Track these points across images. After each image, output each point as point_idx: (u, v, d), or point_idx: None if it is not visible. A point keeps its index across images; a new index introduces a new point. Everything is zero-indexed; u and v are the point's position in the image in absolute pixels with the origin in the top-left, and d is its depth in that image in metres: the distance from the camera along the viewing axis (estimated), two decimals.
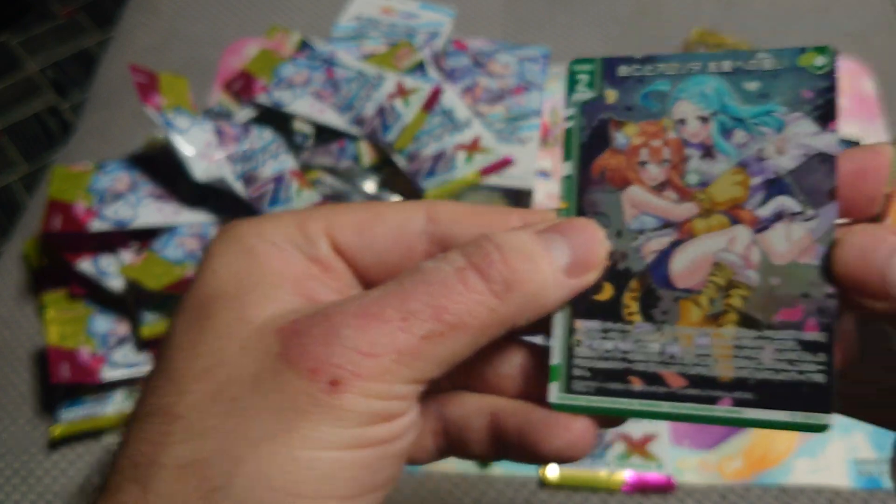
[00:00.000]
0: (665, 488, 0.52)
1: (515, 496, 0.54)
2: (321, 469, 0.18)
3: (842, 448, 0.54)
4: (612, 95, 0.23)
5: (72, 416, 0.56)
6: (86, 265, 0.58)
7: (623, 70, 0.23)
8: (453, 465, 0.55)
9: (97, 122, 0.78)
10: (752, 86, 0.22)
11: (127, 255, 0.59)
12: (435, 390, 0.22)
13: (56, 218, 0.58)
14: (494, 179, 0.62)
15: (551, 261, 0.20)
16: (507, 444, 0.22)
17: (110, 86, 0.81)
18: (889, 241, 0.19)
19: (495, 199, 0.63)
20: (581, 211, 0.22)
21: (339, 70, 0.67)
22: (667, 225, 0.22)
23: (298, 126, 0.63)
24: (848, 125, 0.69)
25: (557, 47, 0.78)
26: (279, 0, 0.86)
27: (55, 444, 0.57)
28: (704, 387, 0.21)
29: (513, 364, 0.22)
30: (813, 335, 0.21)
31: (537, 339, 0.23)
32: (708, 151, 0.22)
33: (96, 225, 0.57)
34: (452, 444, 0.23)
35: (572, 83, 0.23)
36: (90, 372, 0.55)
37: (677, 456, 0.54)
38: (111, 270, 0.58)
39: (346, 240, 0.22)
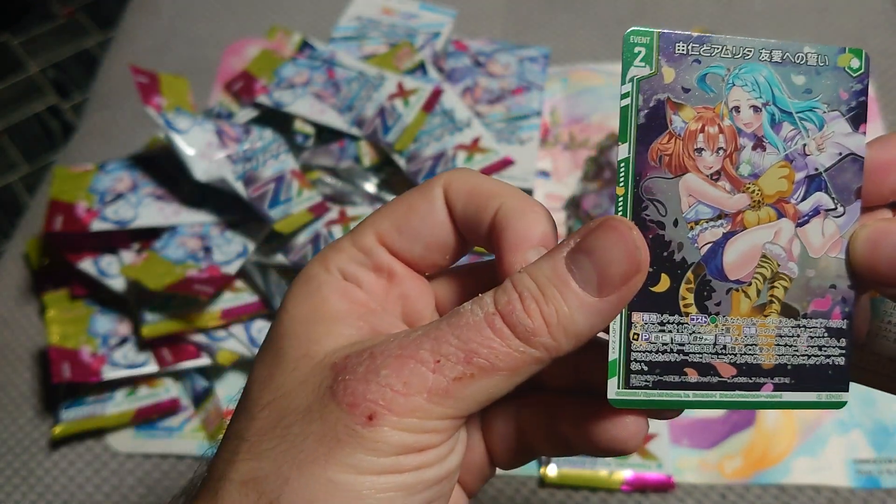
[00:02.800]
0: (665, 487, 0.52)
1: (515, 495, 0.54)
2: (356, 491, 0.20)
3: (841, 448, 0.54)
4: (669, 74, 0.22)
5: (73, 416, 0.56)
6: (87, 265, 0.58)
7: (680, 47, 0.22)
8: None
9: (98, 123, 0.78)
10: (799, 80, 0.22)
11: (128, 256, 0.59)
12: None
13: (57, 218, 0.58)
14: None
15: (576, 293, 0.20)
16: (566, 442, 0.24)
17: (111, 86, 0.81)
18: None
19: None
20: (638, 198, 0.22)
21: (339, 70, 0.67)
22: (721, 216, 0.22)
23: (299, 126, 0.63)
24: None
25: (557, 47, 0.78)
26: (280, 1, 0.86)
27: (56, 444, 0.57)
28: (751, 374, 0.22)
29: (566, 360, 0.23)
30: (837, 322, 0.22)
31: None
32: (759, 142, 0.22)
33: (97, 225, 0.57)
34: (521, 448, 0.25)
35: (629, 56, 0.23)
36: (91, 372, 0.55)
37: (677, 455, 0.54)
38: (112, 270, 0.58)
39: (393, 241, 0.24)
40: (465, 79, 0.71)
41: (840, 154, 0.22)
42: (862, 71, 0.22)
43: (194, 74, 0.79)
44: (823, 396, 0.22)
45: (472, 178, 0.23)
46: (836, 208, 0.22)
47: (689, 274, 0.22)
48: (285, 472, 0.20)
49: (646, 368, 0.22)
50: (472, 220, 0.23)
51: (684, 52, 0.22)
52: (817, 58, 0.22)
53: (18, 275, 0.67)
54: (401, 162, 0.63)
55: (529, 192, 0.63)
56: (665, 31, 0.22)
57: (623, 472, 0.53)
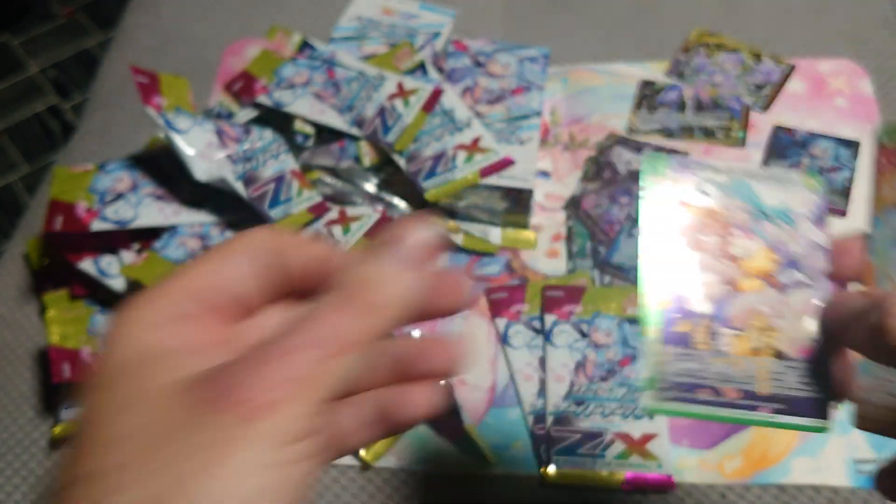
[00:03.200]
0: (665, 487, 0.52)
1: (516, 495, 0.54)
2: (247, 492, 0.20)
3: (841, 447, 0.54)
4: (678, 182, 0.32)
5: (73, 416, 0.56)
6: (87, 265, 0.58)
7: (686, 164, 0.32)
8: (455, 465, 0.55)
9: (98, 123, 0.78)
10: (773, 194, 0.31)
11: (128, 256, 0.59)
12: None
13: (57, 218, 0.58)
14: (494, 179, 0.62)
15: (390, 270, 0.23)
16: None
17: (111, 86, 0.81)
18: (849, 302, 0.28)
19: (495, 199, 0.63)
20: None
21: (339, 70, 0.67)
22: (724, 282, 0.30)
23: (299, 126, 0.63)
24: (846, 126, 0.70)
25: (557, 47, 0.78)
26: (280, 1, 0.86)
27: (56, 444, 0.57)
28: (751, 399, 0.29)
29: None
30: (818, 367, 0.29)
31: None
32: (749, 234, 0.31)
33: (97, 225, 0.58)
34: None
35: (648, 169, 0.32)
36: None
37: (677, 455, 0.54)
38: (112, 270, 0.58)
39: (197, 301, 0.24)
40: (465, 79, 0.71)
41: (809, 245, 0.30)
42: (820, 189, 0.31)
43: (194, 74, 0.79)
44: (809, 422, 0.29)
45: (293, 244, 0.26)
46: (809, 283, 0.30)
47: (704, 321, 0.30)
48: (166, 496, 0.19)
49: (669, 385, 0.29)
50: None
51: (689, 168, 0.31)
52: (787, 177, 0.31)
53: (18, 275, 0.67)
54: (401, 162, 0.63)
55: (530, 192, 0.63)
56: (676, 154, 0.30)
57: (623, 471, 0.53)
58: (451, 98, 0.66)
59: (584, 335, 0.57)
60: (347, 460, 0.55)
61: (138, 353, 0.23)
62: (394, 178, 0.65)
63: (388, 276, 0.23)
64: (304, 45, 0.71)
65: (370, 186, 0.64)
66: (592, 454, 0.53)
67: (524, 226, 0.65)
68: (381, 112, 0.64)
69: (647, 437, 0.54)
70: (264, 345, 0.22)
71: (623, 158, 0.69)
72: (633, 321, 0.58)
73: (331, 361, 0.22)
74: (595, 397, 0.55)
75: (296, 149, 0.63)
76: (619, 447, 0.53)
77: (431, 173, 0.62)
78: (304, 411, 0.21)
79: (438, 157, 0.63)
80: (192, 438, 0.20)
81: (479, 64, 0.73)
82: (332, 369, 0.22)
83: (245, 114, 0.66)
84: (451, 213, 0.65)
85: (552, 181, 0.68)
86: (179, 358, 0.23)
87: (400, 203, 0.65)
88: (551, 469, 0.53)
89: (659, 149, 0.69)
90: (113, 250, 0.59)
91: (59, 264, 0.60)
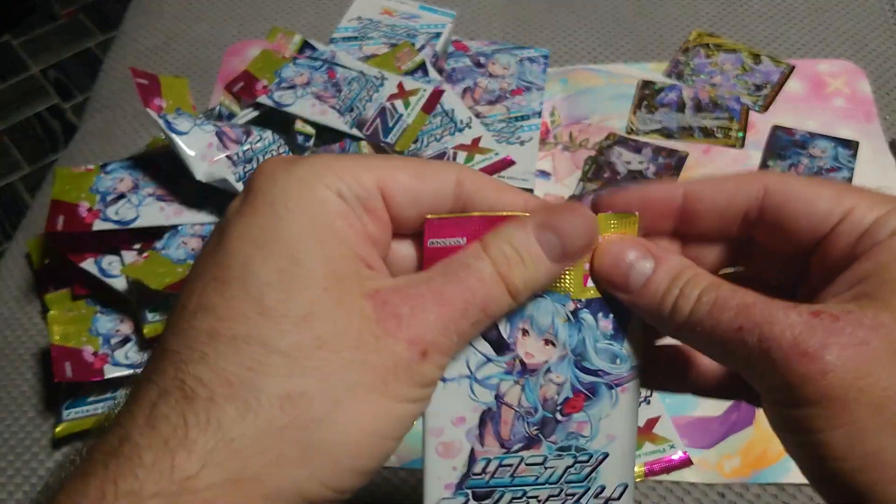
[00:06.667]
0: (684, 465, 0.53)
1: None
2: (397, 418, 0.22)
3: None
4: None
5: (74, 415, 0.56)
6: (88, 265, 0.58)
7: None
8: None
9: (99, 123, 0.78)
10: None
11: (129, 255, 0.59)
12: None
13: (59, 218, 0.58)
14: None
15: (544, 261, 0.25)
16: None
17: (112, 87, 0.81)
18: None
19: None
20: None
21: (340, 71, 0.67)
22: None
23: (300, 127, 0.64)
24: (845, 127, 0.70)
25: (557, 48, 0.78)
26: (280, 2, 0.86)
27: (58, 443, 0.58)
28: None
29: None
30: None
31: None
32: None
33: (99, 225, 0.58)
34: None
35: None
36: (93, 371, 0.56)
37: None
38: (114, 270, 0.58)
39: (394, 195, 0.24)
40: (465, 79, 0.71)
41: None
42: None
43: (195, 75, 0.79)
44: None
45: (482, 184, 0.25)
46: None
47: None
48: (336, 394, 0.21)
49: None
50: (475, 205, 0.26)
51: None
52: None
53: (20, 275, 0.67)
54: None
55: (530, 192, 0.63)
56: None
57: (642, 461, 0.53)
58: (452, 98, 0.66)
59: None
60: None
61: (316, 224, 0.22)
62: None
63: (541, 267, 0.24)
64: (305, 46, 0.71)
65: None
66: None
67: None
68: (382, 112, 0.64)
69: (652, 422, 0.54)
70: (438, 286, 0.23)
71: (623, 158, 0.69)
72: None
73: (469, 327, 0.23)
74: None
75: (297, 149, 0.63)
76: None
77: None
78: (443, 363, 0.23)
79: (439, 158, 0.63)
80: (372, 356, 0.21)
81: (479, 64, 0.73)
82: (466, 333, 0.24)
83: (245, 114, 0.66)
84: None
85: (552, 181, 0.68)
86: (351, 250, 0.23)
87: None
88: None
89: (658, 149, 0.69)
90: (114, 250, 0.59)
91: (61, 264, 0.61)
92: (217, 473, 0.19)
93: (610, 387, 0.27)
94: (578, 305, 0.26)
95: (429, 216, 0.25)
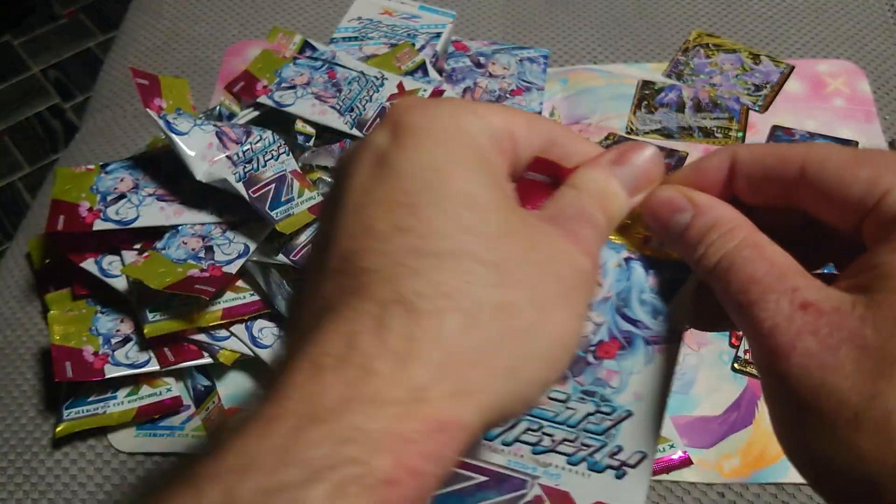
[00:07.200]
0: (684, 464, 0.53)
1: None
2: (577, 331, 0.23)
3: None
4: None
5: (75, 415, 0.57)
6: (89, 265, 0.59)
7: None
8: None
9: (100, 123, 0.78)
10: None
11: (130, 255, 0.59)
12: None
13: (59, 218, 0.58)
14: None
15: (625, 195, 0.26)
16: None
17: (113, 86, 0.81)
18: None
19: None
20: None
21: (340, 71, 0.67)
22: None
23: (300, 127, 0.64)
24: (845, 127, 0.70)
25: (557, 48, 0.78)
26: (280, 2, 0.86)
27: (58, 443, 0.58)
28: None
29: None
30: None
31: None
32: None
33: (99, 225, 0.58)
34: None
35: None
36: (93, 371, 0.56)
37: None
38: (114, 270, 0.58)
39: (517, 140, 0.25)
40: (465, 79, 0.71)
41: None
42: None
43: (195, 75, 0.79)
44: None
45: (569, 137, 0.27)
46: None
47: None
48: (543, 304, 0.22)
49: None
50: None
51: None
52: None
53: (21, 274, 0.67)
54: None
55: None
56: None
57: None
58: None
59: None
60: None
61: (480, 150, 0.23)
62: None
63: (620, 198, 0.26)
64: (305, 46, 0.71)
65: None
66: None
67: None
68: (382, 112, 0.64)
69: None
70: (581, 205, 0.25)
71: None
72: None
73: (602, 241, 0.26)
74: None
75: (297, 149, 0.63)
76: None
77: None
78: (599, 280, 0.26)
79: None
80: (565, 271, 0.23)
81: (479, 64, 0.73)
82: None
83: (246, 114, 0.66)
84: None
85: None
86: (502, 176, 0.24)
87: None
88: None
89: (658, 149, 0.70)
90: (115, 250, 0.59)
91: (61, 264, 0.61)
92: (444, 386, 0.20)
93: (647, 342, 0.27)
94: (633, 256, 0.27)
95: (537, 155, 0.26)
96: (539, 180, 0.27)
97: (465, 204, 0.22)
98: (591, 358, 0.27)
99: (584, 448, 0.27)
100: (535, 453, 0.27)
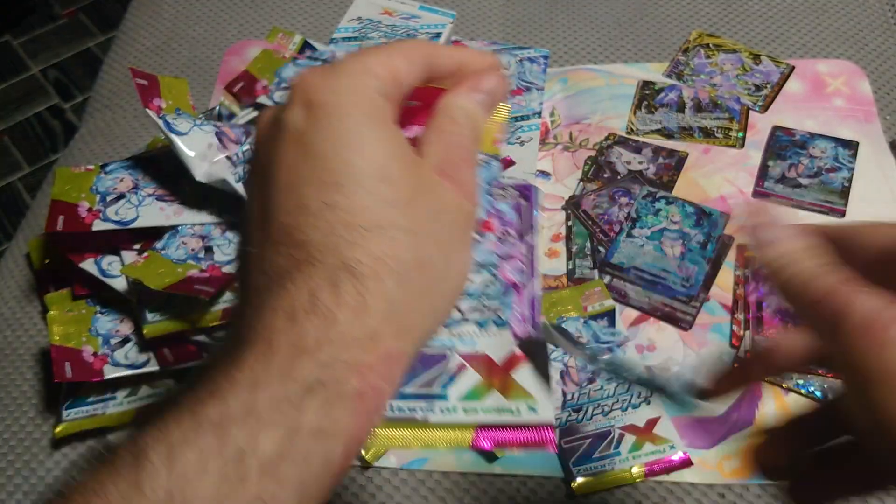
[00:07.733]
0: (684, 465, 0.53)
1: (516, 495, 0.54)
2: (470, 260, 0.30)
3: None
4: None
5: (74, 416, 0.56)
6: (88, 265, 0.58)
7: None
8: (453, 463, 0.55)
9: (99, 123, 0.78)
10: None
11: (129, 256, 0.59)
12: None
13: (59, 218, 0.58)
14: None
15: (484, 115, 0.31)
16: None
17: (113, 87, 0.81)
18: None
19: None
20: None
21: None
22: None
23: None
24: (845, 127, 0.70)
25: (557, 48, 0.78)
26: (280, 2, 0.86)
27: (58, 443, 0.58)
28: None
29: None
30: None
31: None
32: None
33: (99, 225, 0.58)
34: None
35: None
36: (93, 371, 0.56)
37: None
38: (114, 270, 0.58)
39: (401, 83, 0.29)
40: None
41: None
42: None
43: (195, 75, 0.79)
44: None
45: (446, 51, 0.31)
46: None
47: None
48: (447, 253, 0.27)
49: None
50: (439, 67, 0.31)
51: None
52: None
53: (20, 275, 0.67)
54: None
55: None
56: None
57: (642, 463, 0.53)
58: None
59: (556, 345, 0.58)
60: None
61: (383, 117, 0.27)
62: None
63: (483, 118, 0.31)
64: (305, 46, 0.71)
65: None
66: (608, 454, 0.54)
67: None
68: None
69: (652, 422, 0.54)
70: (446, 151, 0.29)
71: (623, 159, 0.69)
72: (596, 317, 0.58)
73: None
74: (590, 400, 0.55)
75: None
76: (629, 440, 0.54)
77: None
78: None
79: None
80: (459, 221, 0.28)
81: None
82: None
83: (246, 114, 0.66)
84: None
85: (552, 181, 0.68)
86: (398, 132, 0.27)
87: None
88: (579, 480, 0.53)
89: (658, 149, 0.70)
90: (114, 250, 0.59)
91: (61, 264, 0.61)
92: (390, 329, 0.25)
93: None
94: (488, 156, 0.33)
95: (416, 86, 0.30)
96: (412, 106, 0.31)
97: (381, 177, 0.26)
98: (477, 236, 0.33)
99: (489, 311, 0.32)
100: (448, 327, 0.32)
